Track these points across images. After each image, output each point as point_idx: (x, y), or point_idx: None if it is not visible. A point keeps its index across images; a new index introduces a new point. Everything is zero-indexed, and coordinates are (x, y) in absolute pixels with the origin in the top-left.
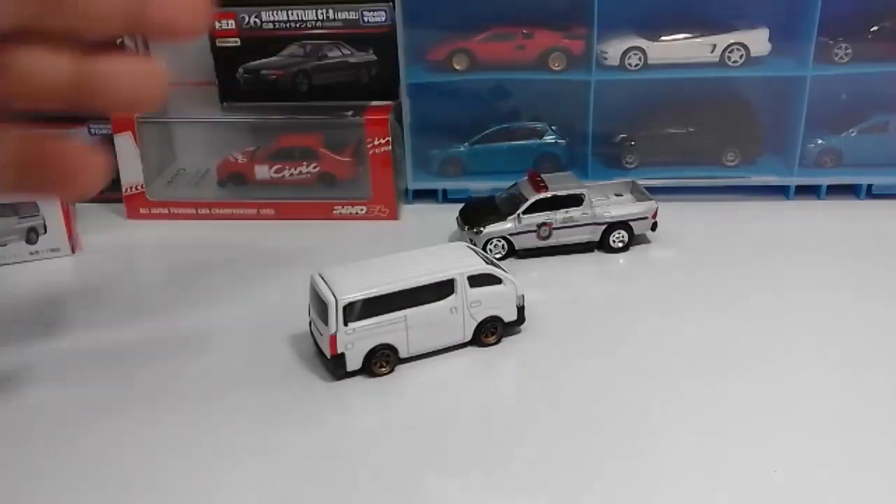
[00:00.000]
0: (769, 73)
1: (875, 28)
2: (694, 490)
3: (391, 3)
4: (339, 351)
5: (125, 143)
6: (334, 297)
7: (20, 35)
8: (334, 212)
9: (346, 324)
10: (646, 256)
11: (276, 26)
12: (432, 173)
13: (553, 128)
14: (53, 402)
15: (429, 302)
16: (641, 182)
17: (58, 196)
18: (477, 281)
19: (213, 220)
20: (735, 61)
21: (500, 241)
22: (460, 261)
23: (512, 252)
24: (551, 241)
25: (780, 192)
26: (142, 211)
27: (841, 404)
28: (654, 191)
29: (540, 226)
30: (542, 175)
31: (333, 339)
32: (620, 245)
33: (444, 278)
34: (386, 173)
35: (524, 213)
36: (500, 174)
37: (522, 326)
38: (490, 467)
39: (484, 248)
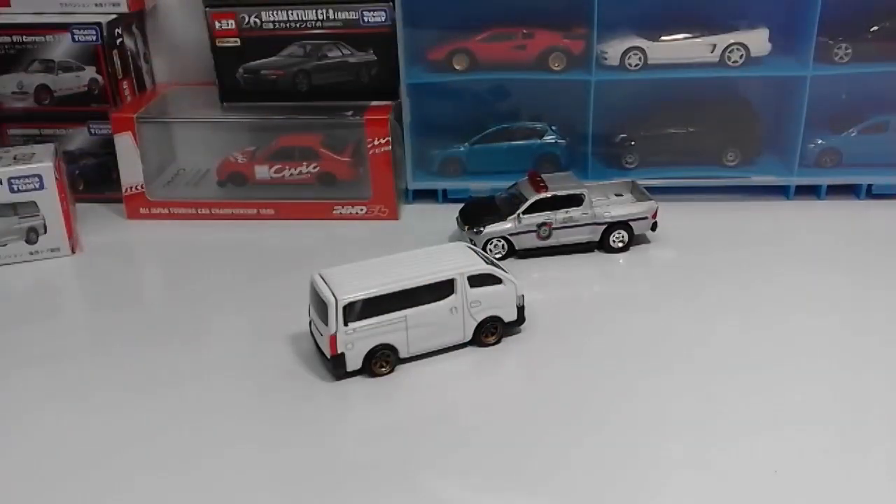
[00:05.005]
0: (769, 73)
1: (875, 28)
2: (694, 489)
3: (391, 3)
4: (339, 351)
5: (125, 143)
6: (334, 297)
7: None
8: (334, 212)
9: (346, 324)
10: (646, 256)
11: (276, 26)
12: (432, 173)
13: (553, 128)
14: (52, 403)
15: (429, 302)
16: (641, 182)
17: None
18: (477, 281)
19: (213, 220)
20: (735, 61)
21: (500, 241)
22: (460, 261)
23: (512, 252)
24: (551, 241)
25: (780, 192)
26: (142, 211)
27: (841, 405)
28: (654, 191)
29: (540, 226)
30: (542, 175)
31: (333, 339)
32: (620, 245)
33: (444, 278)
34: (386, 173)
35: (524, 213)
36: (500, 174)
37: (522, 326)
38: (490, 467)
39: (484, 248)
